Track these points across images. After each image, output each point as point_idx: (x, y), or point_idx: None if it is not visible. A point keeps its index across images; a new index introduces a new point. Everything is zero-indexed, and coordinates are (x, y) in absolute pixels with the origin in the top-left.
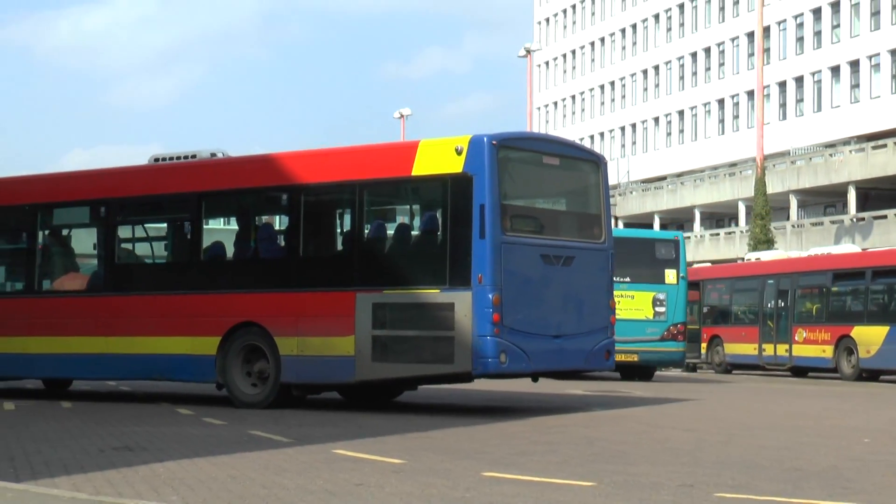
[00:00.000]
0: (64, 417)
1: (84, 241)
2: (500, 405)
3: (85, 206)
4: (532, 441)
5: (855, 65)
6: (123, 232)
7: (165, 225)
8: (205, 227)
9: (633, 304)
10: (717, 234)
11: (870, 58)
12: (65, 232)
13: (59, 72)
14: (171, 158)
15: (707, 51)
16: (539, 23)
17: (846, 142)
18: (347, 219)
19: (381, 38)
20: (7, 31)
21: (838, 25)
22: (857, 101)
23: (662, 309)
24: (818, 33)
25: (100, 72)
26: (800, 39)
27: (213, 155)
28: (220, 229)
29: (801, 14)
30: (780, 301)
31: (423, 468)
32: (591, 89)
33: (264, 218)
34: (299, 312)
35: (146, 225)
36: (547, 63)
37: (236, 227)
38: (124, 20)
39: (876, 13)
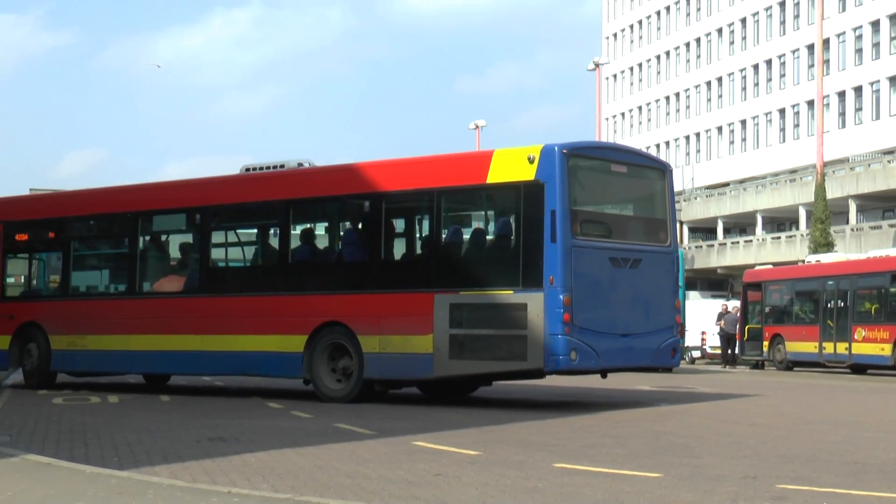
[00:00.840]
0: (163, 410)
1: (181, 246)
2: (571, 400)
3: (182, 213)
4: (601, 434)
5: None
6: (217, 237)
7: (256, 230)
8: (292, 232)
9: None
10: (779, 238)
11: None
12: (163, 237)
13: (158, 88)
14: (260, 168)
15: (768, 62)
16: (607, 38)
17: None
18: (426, 224)
19: (458, 54)
20: (111, 50)
21: None
22: None
23: None
24: (876, 45)
25: (195, 88)
26: (858, 51)
27: (300, 165)
28: (307, 234)
29: (860, 26)
30: (839, 301)
31: (498, 460)
32: (657, 100)
33: (348, 223)
34: (381, 312)
35: (238, 230)
36: (615, 76)
37: (322, 233)
38: (219, 40)
39: None
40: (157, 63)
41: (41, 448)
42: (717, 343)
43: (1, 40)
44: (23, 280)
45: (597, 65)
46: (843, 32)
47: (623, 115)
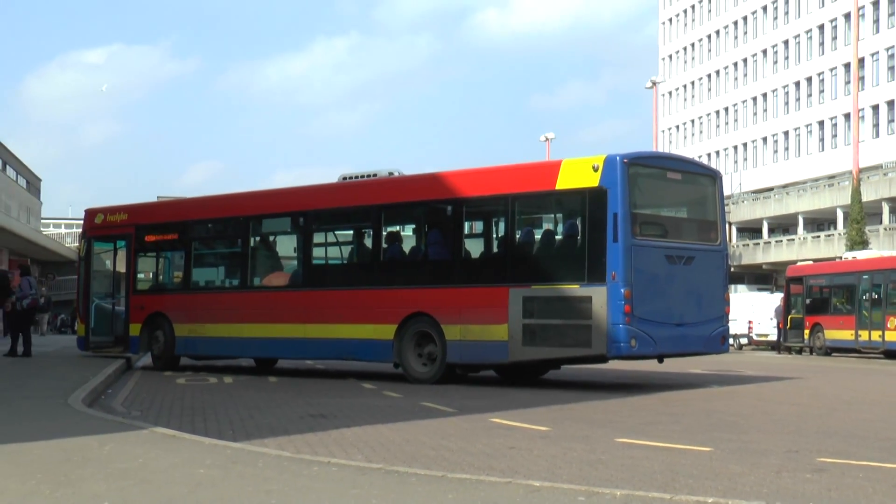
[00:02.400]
0: (271, 390)
1: (286, 245)
2: (631, 382)
3: (287, 216)
4: (658, 413)
5: None
6: (318, 238)
7: (352, 232)
8: (384, 233)
9: None
10: (818, 237)
11: None
12: (271, 238)
13: (268, 108)
14: (356, 177)
15: (809, 80)
16: (663, 59)
17: None
18: (501, 225)
19: (532, 75)
20: (227, 76)
21: None
22: None
23: None
24: None
25: (300, 107)
26: (891, 68)
27: (391, 174)
28: (397, 235)
29: (893, 46)
30: (874, 294)
31: (566, 435)
32: (708, 114)
33: (432, 225)
34: (462, 304)
35: (336, 232)
36: (670, 93)
37: (410, 234)
38: (320, 65)
39: None
40: (103, 87)
41: (167, 422)
42: (764, 331)
43: (136, 67)
44: (151, 276)
45: (654, 83)
46: (877, 52)
47: (678, 127)
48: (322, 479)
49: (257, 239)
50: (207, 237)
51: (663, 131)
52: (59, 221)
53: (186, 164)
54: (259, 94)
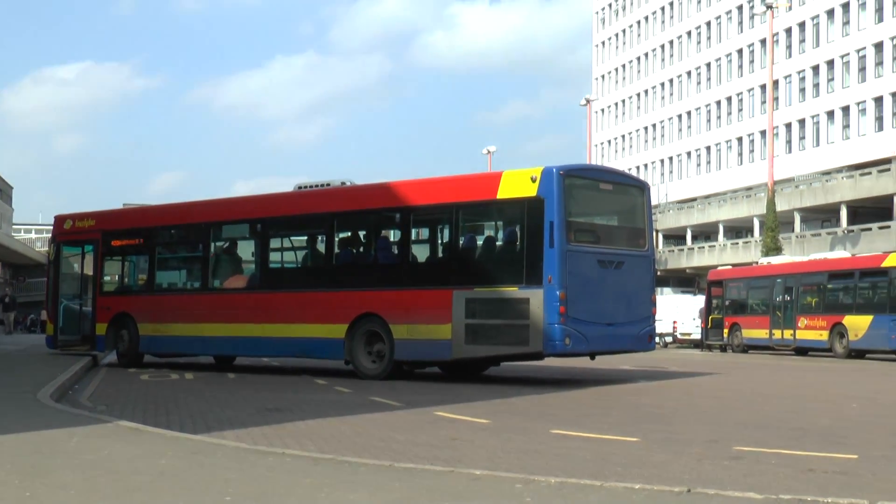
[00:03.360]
0: (230, 385)
1: (245, 250)
2: (565, 378)
3: (246, 223)
4: (590, 406)
5: (846, 110)
6: (274, 243)
7: (306, 237)
8: (336, 239)
9: None
10: (737, 244)
11: (857, 104)
12: (230, 243)
13: (229, 121)
14: (310, 186)
15: (728, 99)
16: (596, 79)
17: (839, 170)
18: (446, 232)
19: (476, 93)
20: (191, 92)
21: (833, 79)
22: (848, 138)
23: None
24: (816, 85)
25: (259, 121)
26: (802, 90)
27: (343, 183)
28: (349, 241)
29: (804, 70)
30: (786, 296)
31: (505, 427)
32: (638, 130)
33: (382, 232)
34: (409, 305)
35: (292, 238)
36: (603, 110)
37: (361, 239)
38: (279, 82)
39: (862, 69)
40: None
41: (131, 415)
42: (687, 330)
43: (105, 83)
44: (117, 278)
45: (588, 101)
46: (790, 75)
47: (609, 142)
48: (277, 468)
49: (217, 244)
50: (170, 242)
51: (596, 145)
52: (30, 227)
53: (151, 174)
54: (221, 109)
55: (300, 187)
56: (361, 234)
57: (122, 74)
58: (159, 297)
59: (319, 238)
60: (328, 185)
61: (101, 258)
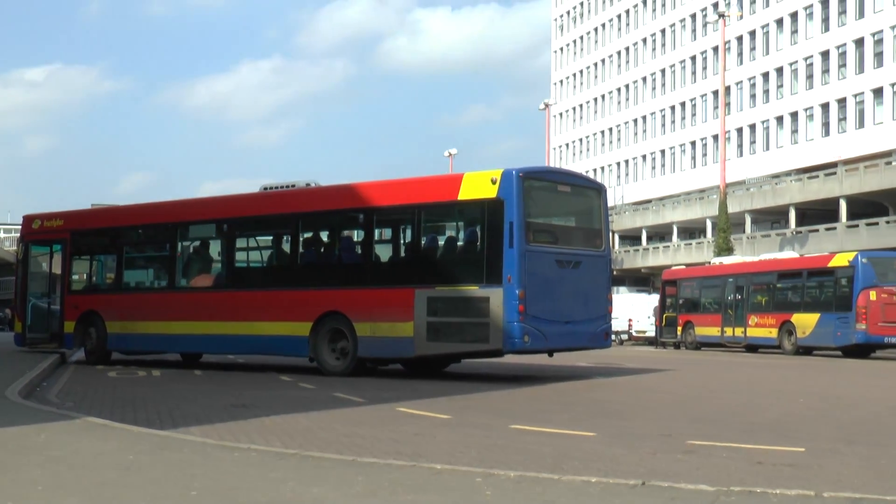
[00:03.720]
0: (196, 382)
1: (212, 249)
2: (524, 374)
3: (212, 223)
4: (549, 402)
5: (794, 115)
6: (241, 243)
7: (272, 237)
8: (301, 238)
9: None
10: (690, 244)
11: (805, 110)
12: (197, 243)
13: (197, 123)
14: (276, 187)
15: (682, 104)
16: (555, 84)
17: (788, 173)
18: (408, 232)
19: (438, 97)
20: (160, 94)
21: (782, 86)
22: (796, 143)
23: None
24: (766, 91)
25: (226, 124)
26: (753, 96)
27: (308, 185)
28: (313, 240)
29: (754, 77)
30: (737, 294)
31: (466, 422)
32: (595, 134)
33: (346, 232)
34: (372, 304)
35: (257, 237)
36: (561, 114)
37: (325, 239)
38: (246, 85)
39: (809, 76)
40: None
41: (99, 412)
42: (642, 328)
43: (74, 85)
44: (85, 277)
45: (547, 105)
46: (741, 81)
47: (567, 145)
48: (243, 463)
49: (185, 244)
50: (138, 242)
51: (555, 148)
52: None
53: (120, 175)
54: (189, 111)
55: (266, 188)
56: (326, 234)
57: (90, 77)
58: (127, 295)
59: (284, 238)
60: (293, 186)
61: (70, 257)
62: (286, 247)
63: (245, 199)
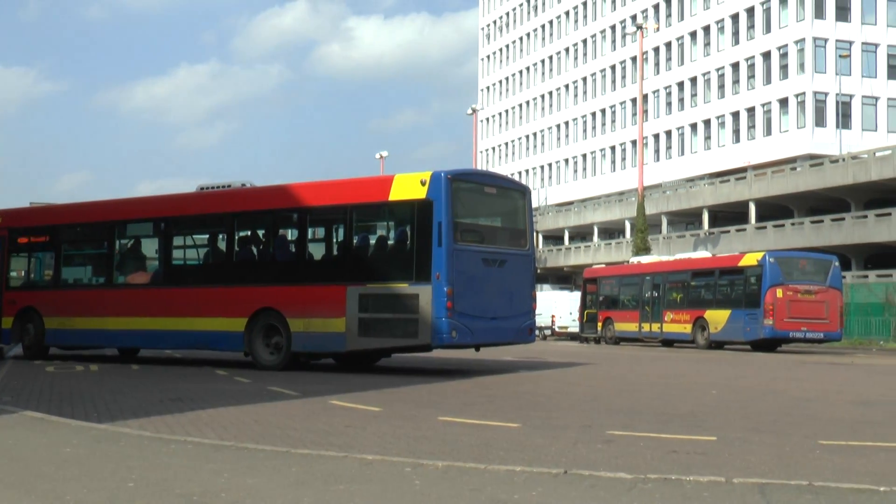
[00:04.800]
0: (133, 376)
1: (149, 247)
2: (452, 368)
3: (149, 222)
4: (475, 394)
5: (707, 123)
6: (177, 241)
7: (208, 236)
8: (236, 237)
9: None
10: (610, 244)
11: (717, 118)
12: (135, 241)
13: (135, 125)
14: (212, 187)
15: (603, 111)
16: (482, 90)
17: (701, 177)
18: (341, 232)
19: (370, 101)
20: (98, 96)
21: (696, 94)
22: (709, 149)
23: None
24: (681, 99)
25: (164, 125)
26: (669, 104)
27: (243, 185)
28: (248, 239)
29: (670, 86)
30: (654, 292)
31: (395, 414)
32: (520, 138)
33: (280, 231)
34: (305, 300)
35: (194, 236)
36: (488, 119)
37: (260, 238)
38: (183, 88)
39: (721, 86)
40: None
41: (37, 406)
42: (564, 324)
43: (12, 86)
44: (23, 274)
45: (474, 110)
46: (658, 90)
47: (494, 149)
48: (179, 455)
49: (122, 241)
50: (76, 240)
51: (481, 152)
52: None
53: (58, 174)
54: (127, 113)
55: (202, 188)
56: (260, 232)
57: (28, 78)
58: (65, 292)
59: (220, 236)
60: (229, 186)
61: (7, 254)
62: (222, 245)
63: (182, 198)
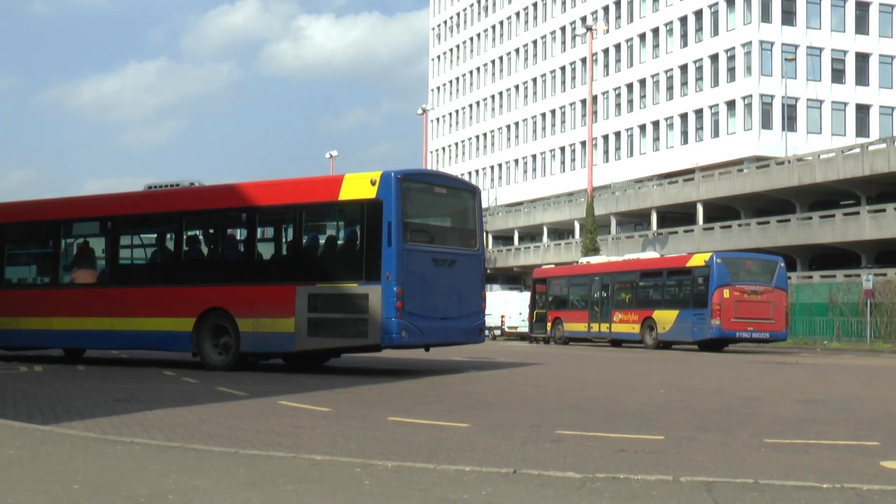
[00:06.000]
0: (79, 377)
1: (96, 246)
2: (402, 368)
3: (96, 221)
4: (425, 394)
5: (656, 124)
6: (125, 240)
7: (155, 235)
8: (184, 236)
9: None
10: (559, 244)
11: (666, 119)
12: (81, 240)
13: (82, 122)
14: (160, 186)
15: (553, 112)
16: (432, 90)
17: (650, 178)
18: (290, 231)
19: (320, 101)
20: (44, 93)
21: (644, 96)
22: (658, 150)
23: None
24: (630, 101)
25: (111, 123)
26: (618, 105)
27: (192, 184)
28: (197, 238)
29: (619, 87)
30: (603, 292)
31: (345, 414)
32: (470, 138)
33: (229, 230)
34: (254, 300)
35: (141, 235)
36: (438, 119)
37: (209, 237)
38: (131, 86)
39: (670, 88)
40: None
41: None
42: (514, 324)
43: None
44: None
45: (424, 110)
46: (608, 91)
47: (444, 149)
48: (125, 457)
49: (68, 241)
50: (21, 239)
51: (432, 152)
52: None
53: (2, 172)
54: (73, 110)
55: (150, 187)
56: (209, 232)
57: None
58: (9, 291)
59: (168, 236)
60: (178, 185)
61: None
62: (170, 244)
63: (129, 197)
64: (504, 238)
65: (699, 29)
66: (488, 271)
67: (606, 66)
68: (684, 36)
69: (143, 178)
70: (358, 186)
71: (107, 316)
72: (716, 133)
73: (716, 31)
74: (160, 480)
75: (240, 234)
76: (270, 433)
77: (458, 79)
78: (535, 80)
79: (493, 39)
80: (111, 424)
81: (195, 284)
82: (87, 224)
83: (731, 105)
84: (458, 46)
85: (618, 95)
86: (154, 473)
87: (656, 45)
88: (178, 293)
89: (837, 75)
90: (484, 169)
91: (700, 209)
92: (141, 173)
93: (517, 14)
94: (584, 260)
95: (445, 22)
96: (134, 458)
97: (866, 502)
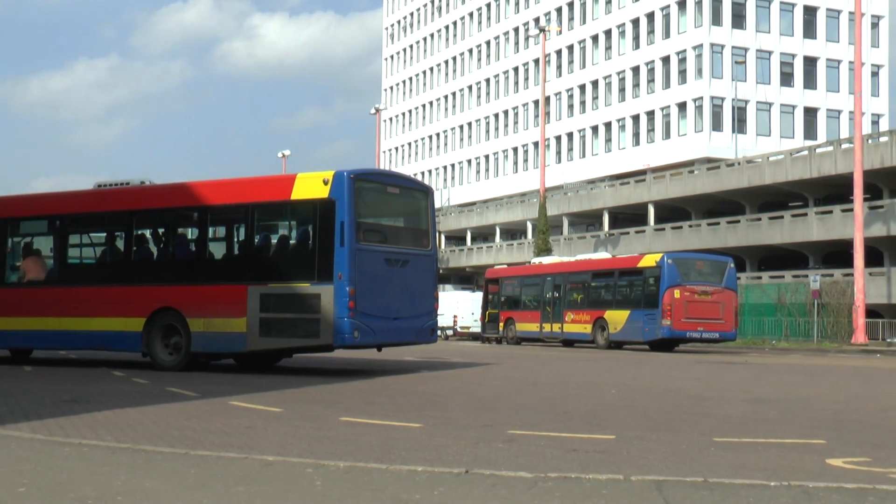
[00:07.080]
0: (25, 378)
1: (44, 245)
2: (354, 368)
3: (44, 219)
4: (377, 394)
5: (608, 125)
6: (74, 239)
7: (105, 234)
8: (134, 235)
9: None
10: (512, 244)
11: (618, 121)
12: (28, 239)
13: (29, 119)
14: (110, 185)
15: (506, 112)
16: (386, 90)
17: (602, 179)
18: (242, 231)
19: (273, 100)
20: None
21: (597, 97)
22: (610, 151)
23: None
24: (583, 102)
25: (61, 121)
26: (570, 106)
27: (143, 182)
28: (147, 238)
29: (572, 88)
30: (555, 292)
31: (296, 415)
32: (423, 138)
33: (179, 230)
34: (205, 300)
35: (91, 234)
36: (391, 119)
37: (159, 236)
38: (81, 83)
39: (622, 90)
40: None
41: None
42: (466, 324)
43: None
44: None
45: (378, 110)
46: (560, 92)
47: (397, 149)
48: (74, 458)
49: (15, 239)
50: None
51: (385, 152)
52: None
53: None
54: (21, 107)
55: (100, 185)
56: (160, 231)
57: None
58: None
59: (118, 235)
60: (128, 183)
61: None
62: (120, 243)
63: (79, 195)
64: (457, 238)
65: (651, 31)
66: (441, 271)
67: (559, 67)
68: (636, 38)
69: (94, 176)
70: (310, 186)
71: (55, 316)
72: (667, 134)
73: (667, 34)
74: (109, 482)
75: (191, 233)
76: (221, 434)
77: (411, 79)
78: (488, 80)
79: (447, 40)
80: (59, 426)
81: (145, 284)
82: (35, 223)
83: (682, 107)
84: (411, 46)
85: (570, 96)
86: (103, 475)
87: (608, 47)
88: (127, 293)
89: (786, 78)
90: (437, 169)
91: (651, 210)
92: (91, 172)
93: (470, 14)
94: (536, 260)
95: (399, 22)
96: (82, 460)
97: (813, 499)
